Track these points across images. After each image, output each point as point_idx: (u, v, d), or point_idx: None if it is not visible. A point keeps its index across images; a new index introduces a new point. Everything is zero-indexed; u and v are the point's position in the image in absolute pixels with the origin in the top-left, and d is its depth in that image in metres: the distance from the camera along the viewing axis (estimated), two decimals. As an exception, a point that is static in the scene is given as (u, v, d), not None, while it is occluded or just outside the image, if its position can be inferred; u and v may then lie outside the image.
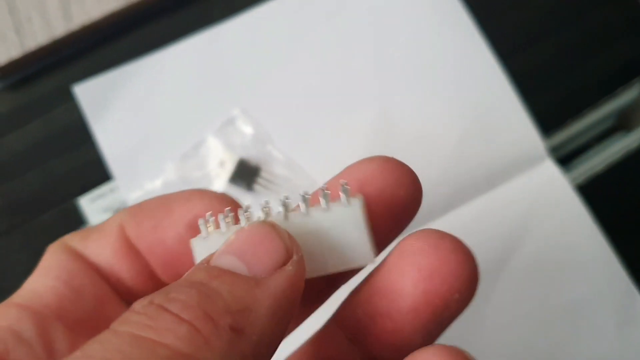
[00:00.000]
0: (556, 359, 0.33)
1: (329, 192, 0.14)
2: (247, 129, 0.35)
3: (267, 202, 0.14)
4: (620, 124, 0.38)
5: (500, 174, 0.35)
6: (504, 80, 0.36)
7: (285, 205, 0.14)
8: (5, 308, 0.15)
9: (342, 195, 0.14)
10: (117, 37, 0.37)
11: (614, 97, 0.37)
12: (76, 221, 0.34)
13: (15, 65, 0.35)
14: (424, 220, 0.34)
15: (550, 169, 0.36)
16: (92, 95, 0.35)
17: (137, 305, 0.12)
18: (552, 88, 0.38)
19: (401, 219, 0.15)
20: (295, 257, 0.13)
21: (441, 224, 0.34)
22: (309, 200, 0.14)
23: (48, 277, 0.15)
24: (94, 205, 0.34)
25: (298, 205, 0.14)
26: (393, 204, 0.15)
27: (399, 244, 0.15)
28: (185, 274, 0.13)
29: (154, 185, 0.34)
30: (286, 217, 0.14)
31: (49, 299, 0.15)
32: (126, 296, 0.16)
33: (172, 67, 0.36)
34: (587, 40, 0.38)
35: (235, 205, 0.16)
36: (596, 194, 0.35)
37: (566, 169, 0.36)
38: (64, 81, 0.36)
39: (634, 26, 0.39)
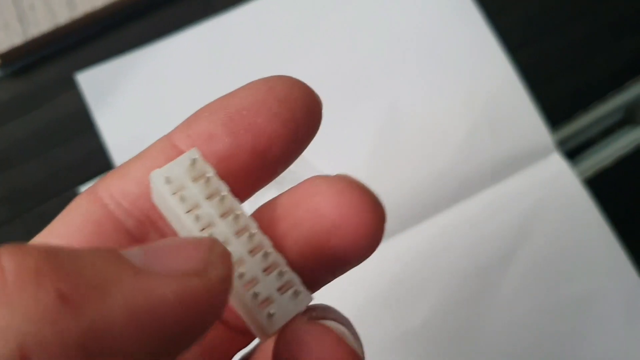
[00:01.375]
0: (564, 353, 0.33)
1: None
2: (252, 120, 0.35)
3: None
4: (628, 117, 0.38)
5: (508, 167, 0.35)
6: (512, 73, 0.36)
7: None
8: None
9: (297, 286, 0.13)
10: (120, 26, 0.36)
11: (622, 90, 0.37)
12: (78, 211, 0.33)
13: (18, 53, 0.35)
14: (430, 214, 0.34)
15: (557, 162, 0.35)
16: (95, 83, 0.35)
17: None
18: (560, 81, 0.37)
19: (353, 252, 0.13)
20: (213, 273, 0.10)
21: (448, 216, 0.34)
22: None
23: (53, 235, 0.13)
24: (96, 195, 0.33)
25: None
26: (347, 237, 0.13)
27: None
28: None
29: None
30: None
31: None
32: None
33: (175, 56, 0.36)
34: (596, 34, 0.38)
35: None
36: (604, 188, 0.35)
37: (573, 163, 0.36)
38: (67, 69, 0.35)
39: (642, 20, 0.38)
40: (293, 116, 0.14)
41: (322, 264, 0.13)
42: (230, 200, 0.13)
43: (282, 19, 0.37)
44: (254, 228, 0.13)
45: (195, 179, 0.12)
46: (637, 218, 0.36)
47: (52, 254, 0.09)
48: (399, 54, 0.36)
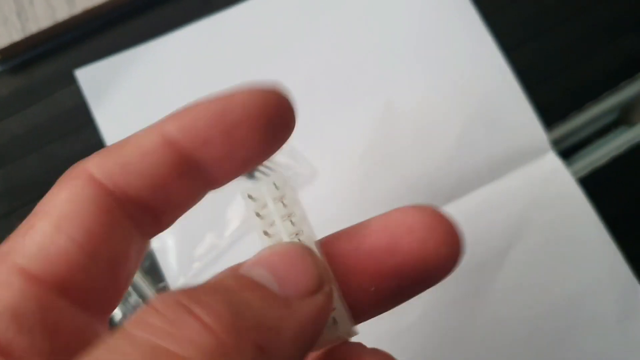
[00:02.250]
0: (557, 351, 0.33)
1: None
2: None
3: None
4: (623, 118, 0.38)
5: (503, 166, 0.35)
6: (508, 72, 0.36)
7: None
8: (6, 274, 0.13)
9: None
10: (119, 23, 0.36)
11: (617, 91, 0.37)
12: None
13: (17, 49, 0.35)
14: (426, 211, 0.34)
15: (553, 161, 0.35)
16: (94, 80, 0.35)
17: (159, 302, 0.11)
18: (555, 81, 0.38)
19: (433, 276, 0.15)
20: (326, 288, 0.13)
21: (443, 215, 0.34)
22: None
23: (61, 232, 0.13)
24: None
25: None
26: (430, 262, 0.15)
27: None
28: (214, 278, 0.12)
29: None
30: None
31: (60, 267, 0.13)
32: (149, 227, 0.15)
33: (174, 53, 0.36)
34: (592, 34, 0.38)
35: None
36: (598, 188, 0.35)
37: (568, 162, 0.36)
38: (66, 65, 0.35)
39: (638, 21, 0.38)
40: (279, 135, 0.15)
41: (412, 279, 0.15)
42: (300, 223, 0.14)
43: (279, 17, 0.37)
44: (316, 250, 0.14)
45: (275, 200, 0.15)
46: (631, 217, 0.36)
47: (235, 302, 0.11)
48: (396, 53, 0.37)
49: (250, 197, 0.14)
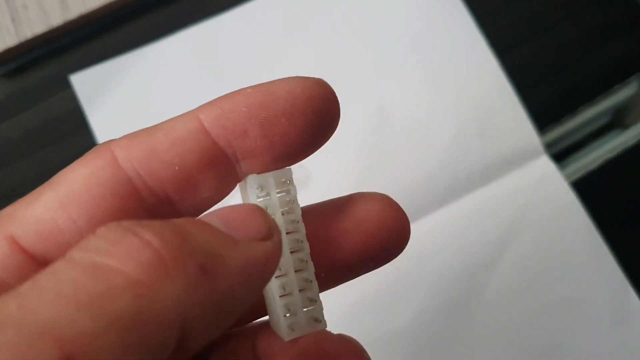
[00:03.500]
0: (549, 355, 0.33)
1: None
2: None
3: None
4: (616, 121, 0.38)
5: (496, 169, 0.35)
6: (501, 75, 0.36)
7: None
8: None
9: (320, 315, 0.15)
10: (113, 28, 0.36)
11: (610, 94, 0.38)
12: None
13: (11, 54, 0.35)
14: (418, 215, 0.34)
15: (546, 164, 0.36)
16: (88, 84, 0.35)
17: (102, 228, 0.11)
18: (548, 84, 0.38)
19: (381, 259, 0.16)
20: (275, 238, 0.13)
21: (436, 218, 0.34)
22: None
23: (63, 210, 0.13)
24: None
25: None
26: (378, 247, 0.16)
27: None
28: None
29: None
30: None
31: (50, 245, 0.13)
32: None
33: (168, 58, 0.36)
34: (584, 37, 0.38)
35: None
36: (591, 191, 0.35)
37: (561, 166, 0.36)
38: (60, 70, 0.35)
39: (631, 24, 0.39)
40: (323, 130, 0.15)
41: (360, 264, 0.16)
42: (298, 223, 0.15)
43: (273, 20, 0.37)
44: (306, 253, 0.15)
45: (280, 194, 0.15)
46: (623, 220, 0.36)
47: (182, 231, 0.11)
48: (389, 55, 0.37)
49: (259, 187, 0.14)
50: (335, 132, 0.37)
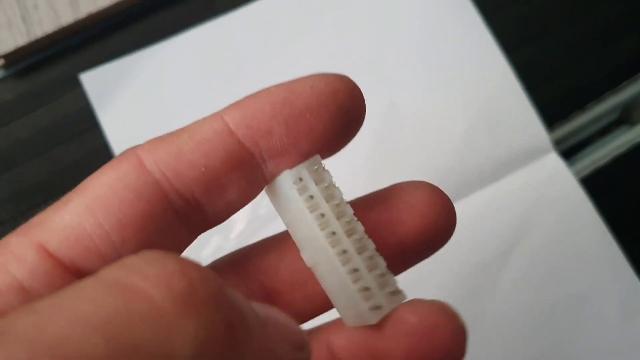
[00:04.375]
0: (560, 351, 0.33)
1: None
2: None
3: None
4: (624, 117, 0.38)
5: (505, 166, 0.35)
6: (510, 72, 0.37)
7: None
8: (24, 247, 0.12)
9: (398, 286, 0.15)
10: (123, 27, 0.37)
11: (619, 90, 0.38)
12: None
13: (22, 53, 0.35)
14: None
15: (555, 161, 0.36)
16: (99, 83, 0.35)
17: (145, 250, 0.10)
18: (556, 81, 0.38)
19: (432, 246, 0.16)
20: (306, 351, 0.13)
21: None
22: None
23: (91, 215, 0.13)
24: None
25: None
26: (429, 233, 0.15)
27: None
28: None
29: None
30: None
31: (79, 251, 0.12)
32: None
33: (178, 56, 0.36)
34: (593, 34, 0.38)
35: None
36: (600, 188, 0.36)
37: (570, 163, 0.36)
38: (71, 70, 0.36)
39: (639, 20, 0.39)
40: (349, 126, 0.14)
41: (415, 248, 0.15)
42: (344, 205, 0.14)
43: (283, 19, 0.37)
44: (361, 231, 0.14)
45: (317, 183, 0.14)
46: (633, 216, 0.36)
47: (223, 283, 0.10)
48: (397, 54, 0.37)
49: (295, 182, 0.14)
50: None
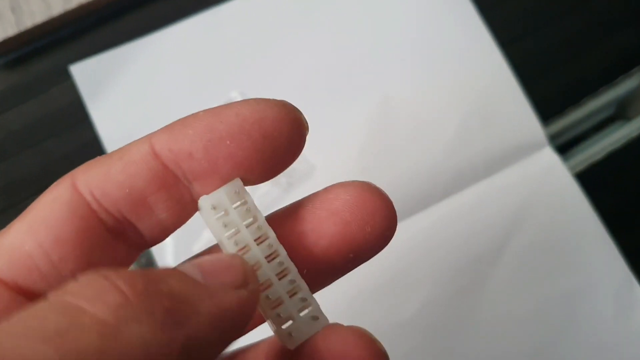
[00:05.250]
0: (554, 346, 0.33)
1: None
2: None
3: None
4: (620, 112, 0.38)
5: (500, 161, 0.35)
6: (506, 67, 0.36)
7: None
8: None
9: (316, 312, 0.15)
10: (114, 18, 0.36)
11: (614, 86, 0.37)
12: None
13: (11, 44, 0.35)
14: (422, 206, 0.34)
15: (549, 156, 0.35)
16: (89, 75, 0.35)
17: (81, 274, 0.11)
18: (551, 76, 0.38)
19: (364, 254, 0.15)
20: (251, 286, 0.13)
21: (441, 209, 0.34)
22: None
23: (31, 236, 0.13)
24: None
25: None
26: (355, 242, 0.15)
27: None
28: None
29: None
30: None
31: (22, 271, 0.13)
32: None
33: (169, 48, 0.36)
34: (588, 29, 0.38)
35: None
36: (595, 183, 0.35)
37: (565, 158, 0.36)
38: (61, 61, 0.35)
39: (635, 16, 0.38)
40: (275, 153, 0.14)
41: (341, 258, 0.15)
42: (265, 228, 0.14)
43: (276, 11, 0.37)
44: (284, 256, 0.14)
45: (236, 207, 0.14)
46: (627, 212, 0.36)
47: (153, 277, 0.12)
48: (392, 48, 0.37)
49: (213, 207, 0.14)
50: (340, 124, 0.37)
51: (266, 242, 0.14)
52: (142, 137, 0.14)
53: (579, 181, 0.35)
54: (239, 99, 0.35)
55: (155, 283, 0.11)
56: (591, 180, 0.35)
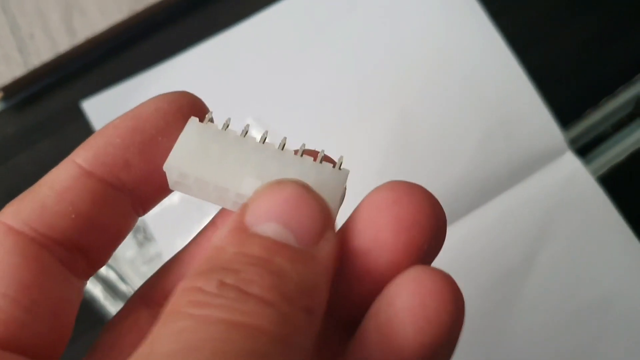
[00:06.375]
0: (588, 354, 0.33)
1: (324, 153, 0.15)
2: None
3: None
4: (638, 111, 0.38)
5: (523, 169, 0.35)
6: (522, 74, 0.36)
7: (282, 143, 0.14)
8: None
9: (337, 160, 0.15)
10: (123, 49, 0.35)
11: (631, 85, 0.37)
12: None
13: (20, 85, 0.34)
14: (449, 221, 0.34)
15: (571, 161, 0.35)
16: (102, 110, 0.34)
17: (200, 283, 0.11)
18: (568, 80, 0.37)
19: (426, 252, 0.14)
20: (331, 223, 0.13)
21: (467, 224, 0.34)
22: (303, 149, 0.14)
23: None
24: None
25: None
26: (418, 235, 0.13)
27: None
28: (227, 238, 0.12)
29: (169, 199, 0.34)
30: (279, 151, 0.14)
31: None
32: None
33: (181, 76, 0.35)
34: (603, 30, 0.38)
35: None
36: (619, 185, 0.35)
37: (586, 161, 0.35)
38: (72, 98, 0.34)
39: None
40: None
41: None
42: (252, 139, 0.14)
43: (289, 30, 0.36)
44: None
45: (212, 140, 0.14)
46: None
47: (275, 275, 0.11)
48: (407, 61, 0.36)
49: (208, 120, 0.14)
50: (359, 141, 0.36)
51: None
52: (62, 161, 0.14)
53: (602, 184, 0.35)
54: (255, 125, 0.35)
55: (283, 282, 0.11)
56: (615, 183, 0.35)
